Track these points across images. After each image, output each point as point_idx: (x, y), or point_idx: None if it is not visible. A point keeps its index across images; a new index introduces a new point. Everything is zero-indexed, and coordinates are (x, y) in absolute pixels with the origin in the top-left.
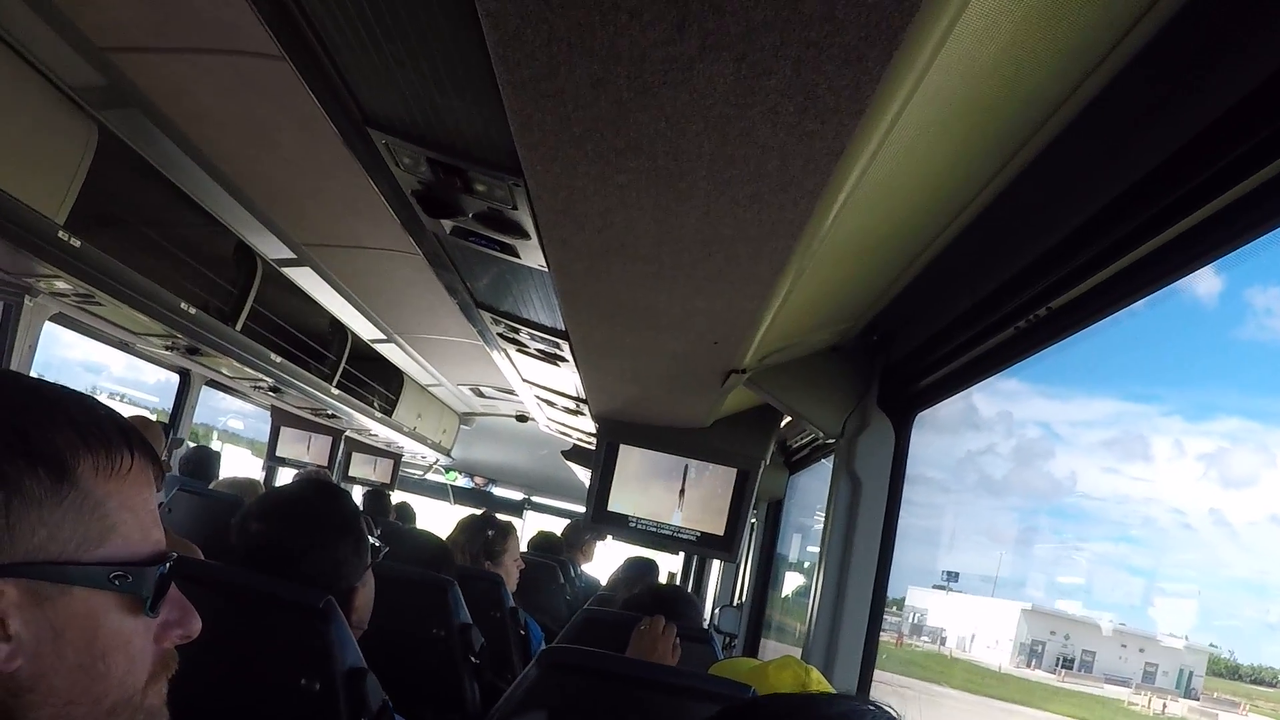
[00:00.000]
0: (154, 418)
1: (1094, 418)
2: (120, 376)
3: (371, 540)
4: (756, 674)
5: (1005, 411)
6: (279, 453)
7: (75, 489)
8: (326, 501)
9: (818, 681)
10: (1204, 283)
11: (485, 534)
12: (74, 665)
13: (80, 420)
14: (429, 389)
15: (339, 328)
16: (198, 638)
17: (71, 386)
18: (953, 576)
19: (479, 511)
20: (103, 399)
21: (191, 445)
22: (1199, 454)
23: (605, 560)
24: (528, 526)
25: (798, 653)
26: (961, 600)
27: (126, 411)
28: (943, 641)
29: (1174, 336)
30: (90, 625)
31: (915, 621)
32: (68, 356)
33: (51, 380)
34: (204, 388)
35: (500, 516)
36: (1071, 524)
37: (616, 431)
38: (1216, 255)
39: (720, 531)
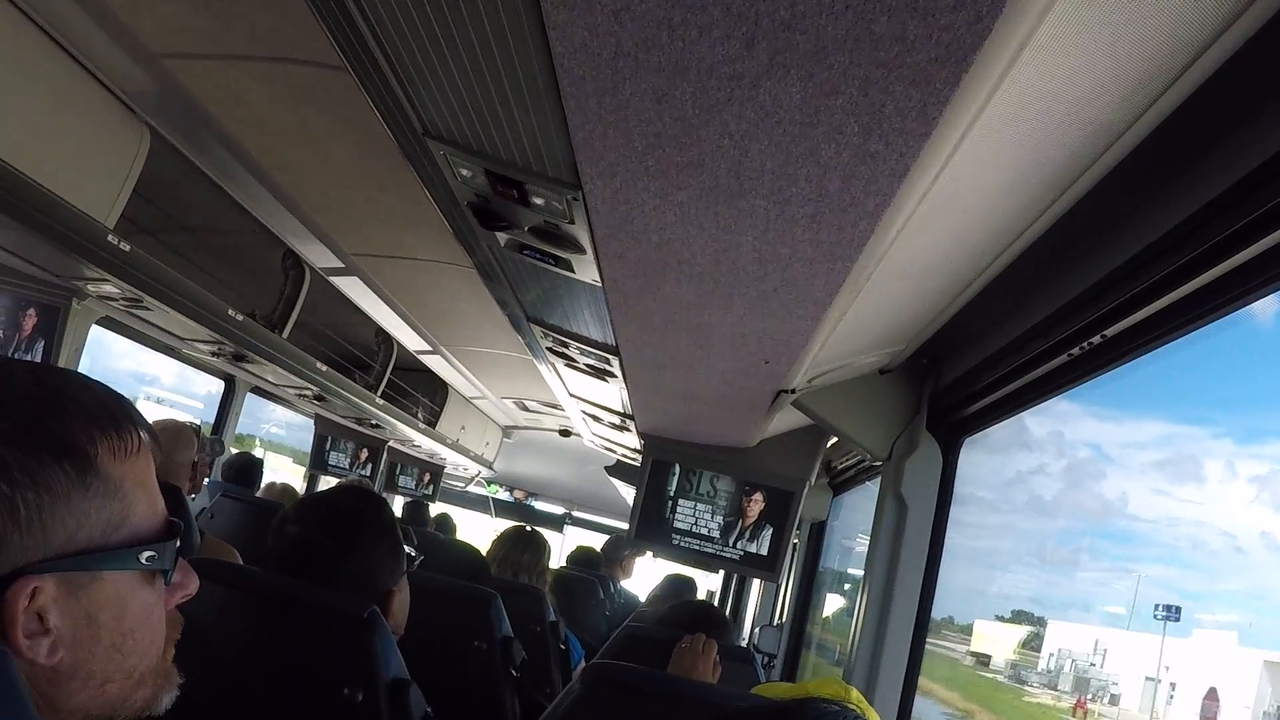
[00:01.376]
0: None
1: (1145, 439)
2: (171, 385)
3: (408, 549)
4: (797, 690)
5: (1057, 431)
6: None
7: (97, 477)
8: (363, 506)
9: (857, 701)
10: (1256, 304)
11: (546, 550)
12: (108, 646)
13: (89, 405)
14: (473, 401)
15: (385, 338)
16: (241, 643)
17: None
18: (1172, 611)
19: (520, 525)
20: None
21: (235, 452)
22: (1250, 476)
23: (645, 576)
24: (568, 541)
25: (838, 674)
26: (1131, 641)
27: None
28: (1113, 700)
29: (1225, 359)
30: (120, 605)
31: (1066, 670)
32: (117, 366)
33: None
34: (249, 396)
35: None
36: (1121, 545)
37: (662, 448)
38: (1277, 287)
39: (764, 551)
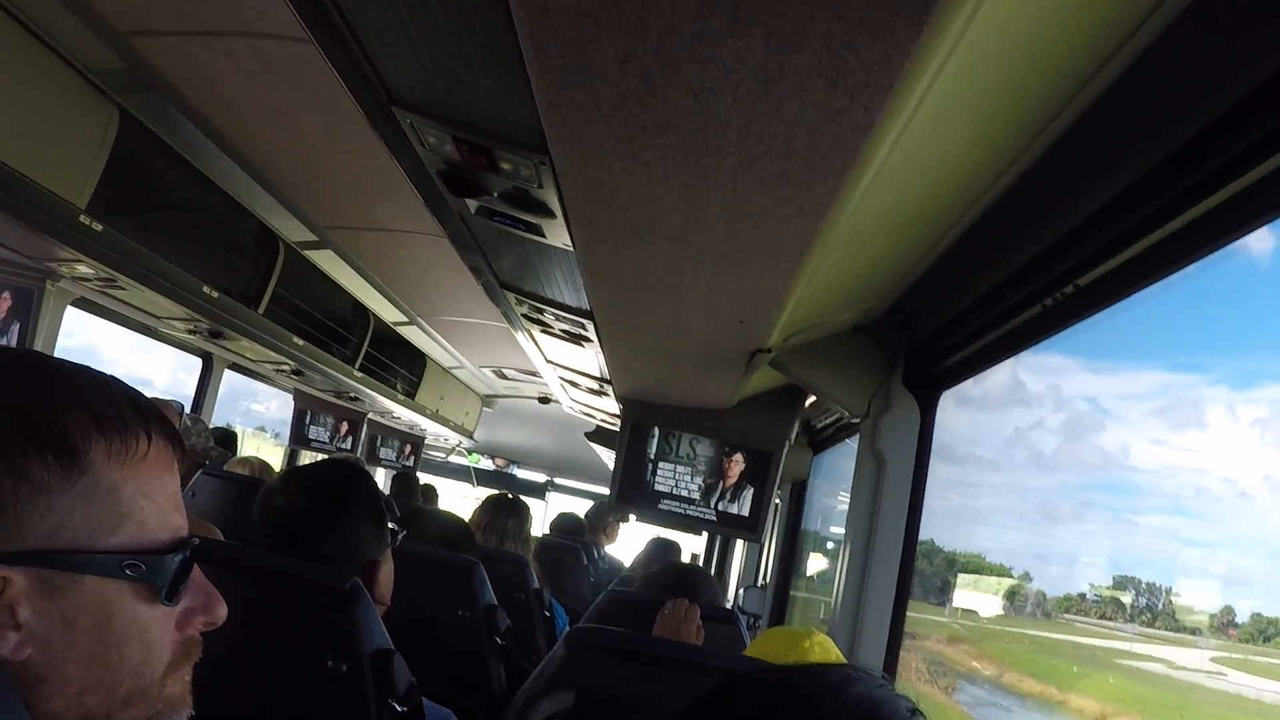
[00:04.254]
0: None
1: (1142, 390)
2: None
3: (390, 525)
4: (769, 649)
5: (1055, 385)
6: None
7: (85, 476)
8: (348, 478)
9: (820, 641)
10: (1246, 244)
11: (528, 515)
12: (86, 655)
13: (94, 402)
14: (451, 371)
15: (361, 310)
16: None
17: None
18: None
19: (502, 493)
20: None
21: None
22: (1250, 420)
23: (629, 542)
24: (550, 508)
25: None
26: None
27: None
28: None
29: (1215, 304)
30: (103, 615)
31: None
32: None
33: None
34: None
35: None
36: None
37: (640, 412)
38: (1250, 229)
39: (745, 512)
